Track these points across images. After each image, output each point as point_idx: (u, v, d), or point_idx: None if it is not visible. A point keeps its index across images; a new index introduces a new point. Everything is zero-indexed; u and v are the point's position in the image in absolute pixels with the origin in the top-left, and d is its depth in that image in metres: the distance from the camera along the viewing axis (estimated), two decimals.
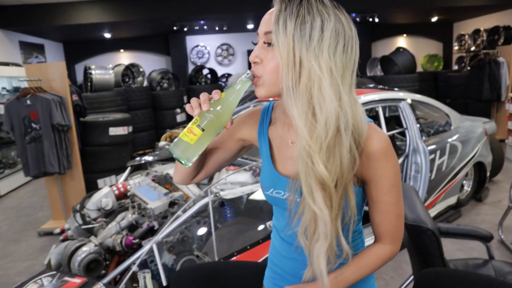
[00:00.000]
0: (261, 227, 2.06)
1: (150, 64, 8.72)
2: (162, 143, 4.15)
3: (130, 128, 4.34)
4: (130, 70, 6.12)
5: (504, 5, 7.16)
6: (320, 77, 0.74)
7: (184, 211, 2.10)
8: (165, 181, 2.57)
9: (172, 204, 2.22)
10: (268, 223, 2.02)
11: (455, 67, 9.00)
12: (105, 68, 5.09)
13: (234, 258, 1.88)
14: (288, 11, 0.75)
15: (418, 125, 3.16)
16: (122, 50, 9.10)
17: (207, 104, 0.79)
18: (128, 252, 2.09)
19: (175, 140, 0.79)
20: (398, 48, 7.50)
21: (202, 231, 2.18)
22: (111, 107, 5.00)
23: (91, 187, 4.12)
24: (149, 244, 1.98)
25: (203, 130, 0.77)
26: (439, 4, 6.85)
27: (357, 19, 7.82)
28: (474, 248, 2.93)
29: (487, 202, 4.01)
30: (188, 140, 0.78)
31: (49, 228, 3.76)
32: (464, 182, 3.81)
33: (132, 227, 2.26)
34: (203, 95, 0.81)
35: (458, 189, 3.63)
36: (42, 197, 4.85)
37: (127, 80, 6.01)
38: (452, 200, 3.57)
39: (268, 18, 0.80)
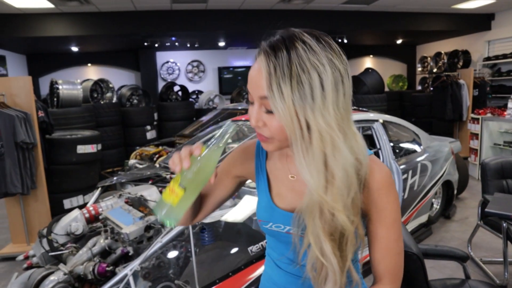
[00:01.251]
0: (241, 251, 2.01)
1: (119, 79, 8.53)
2: (132, 161, 4.03)
3: (99, 146, 4.19)
4: (99, 85, 5.96)
5: (462, 30, 7.60)
6: (331, 136, 0.71)
7: (160, 236, 2.02)
8: (139, 204, 2.47)
9: (147, 228, 2.12)
10: (249, 248, 1.97)
11: (419, 88, 9.40)
12: (73, 83, 4.92)
13: (215, 286, 1.81)
14: (279, 72, 0.69)
15: (391, 144, 3.24)
16: (89, 64, 8.85)
17: (187, 161, 0.74)
18: (101, 280, 1.97)
19: (158, 200, 0.76)
20: (367, 69, 7.75)
21: (174, 254, 2.09)
22: (78, 123, 4.82)
23: (57, 208, 3.92)
24: (124, 271, 1.88)
25: (184, 189, 0.73)
26: (403, 27, 7.17)
27: None
28: (446, 265, 3.00)
29: (455, 219, 4.15)
30: (171, 202, 0.74)
31: (9, 253, 3.52)
32: (434, 200, 3.93)
33: (104, 253, 2.14)
34: (184, 151, 0.76)
35: (429, 207, 3.73)
36: (0, 218, 4.55)
37: (95, 95, 5.84)
38: (424, 218, 3.66)
39: (258, 78, 0.73)
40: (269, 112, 0.73)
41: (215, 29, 6.50)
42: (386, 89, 9.52)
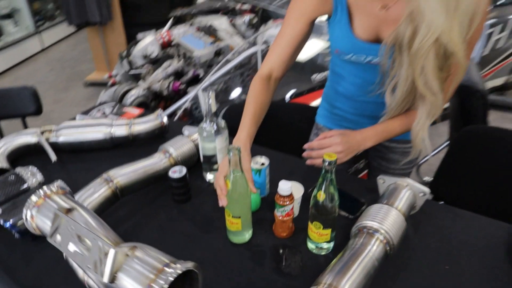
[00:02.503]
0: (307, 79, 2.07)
1: None
2: None
3: None
4: None
5: None
6: None
7: (228, 61, 2.13)
8: (209, 32, 2.54)
9: (217, 53, 2.23)
10: (313, 76, 2.02)
11: None
12: None
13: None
14: None
15: None
16: None
17: (224, 201, 0.78)
18: (174, 97, 2.20)
19: (228, 232, 0.86)
20: None
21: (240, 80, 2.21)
22: None
23: (132, 41, 4.16)
24: (196, 89, 2.07)
25: (239, 216, 0.81)
26: None
27: None
28: None
29: None
30: (236, 229, 0.83)
31: (95, 79, 3.95)
32: None
33: (177, 74, 2.33)
34: (218, 188, 0.80)
35: (509, 72, 3.45)
36: (83, 50, 4.95)
37: None
38: (499, 82, 3.41)
39: None
40: None
41: None
42: None
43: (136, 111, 1.46)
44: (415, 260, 0.78)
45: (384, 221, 0.73)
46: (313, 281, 0.67)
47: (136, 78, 2.39)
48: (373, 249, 0.70)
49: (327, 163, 0.71)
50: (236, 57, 2.07)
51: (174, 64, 2.31)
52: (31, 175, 0.93)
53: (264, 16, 2.68)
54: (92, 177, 0.92)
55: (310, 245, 0.82)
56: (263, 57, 2.06)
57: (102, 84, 3.41)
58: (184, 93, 2.18)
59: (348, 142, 0.88)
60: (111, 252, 0.52)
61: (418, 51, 0.73)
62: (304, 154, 0.93)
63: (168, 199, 0.99)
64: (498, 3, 3.15)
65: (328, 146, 0.88)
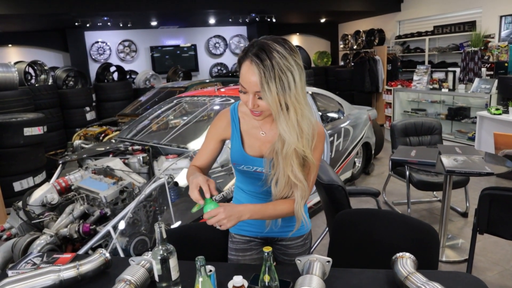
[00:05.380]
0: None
1: (46, 61, 8.15)
2: (77, 141, 4.16)
3: (45, 128, 4.25)
4: (33, 67, 5.80)
5: (377, 11, 8.46)
6: (301, 108, 1.17)
7: (134, 198, 2.37)
8: (105, 174, 2.75)
9: (121, 191, 2.44)
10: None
11: (341, 63, 10.27)
12: (7, 66, 4.80)
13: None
14: (267, 75, 1.10)
15: (320, 113, 3.81)
16: (10, 45, 8.36)
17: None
18: (85, 238, 2.27)
19: None
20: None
21: (145, 213, 2.43)
22: (16, 107, 4.75)
23: (7, 191, 3.97)
24: (106, 228, 2.20)
25: None
26: (325, 7, 7.80)
27: (257, 18, 8.46)
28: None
29: (374, 174, 4.92)
30: None
31: None
32: (356, 159, 4.64)
33: (83, 217, 2.42)
34: (193, 194, 1.20)
35: (352, 165, 4.42)
36: None
37: (29, 78, 5.68)
38: (348, 174, 4.33)
39: (252, 79, 1.12)
40: (260, 98, 1.17)
41: (147, 9, 6.56)
42: (312, 65, 10.27)
43: (69, 255, 1.56)
44: None
45: (311, 284, 1.07)
46: None
47: (37, 227, 2.38)
48: None
49: (266, 254, 1.04)
50: (143, 191, 2.32)
51: (78, 208, 2.42)
52: None
53: (153, 153, 3.04)
54: None
55: None
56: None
57: None
58: (95, 232, 2.27)
59: (230, 211, 1.20)
60: None
61: (286, 155, 1.22)
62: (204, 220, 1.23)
63: None
64: (329, 118, 4.19)
65: (215, 215, 1.17)
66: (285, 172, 1.24)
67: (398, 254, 1.26)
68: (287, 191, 1.30)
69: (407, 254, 1.25)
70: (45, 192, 2.54)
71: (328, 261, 1.20)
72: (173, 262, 1.23)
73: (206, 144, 1.45)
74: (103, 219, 2.43)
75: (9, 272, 1.45)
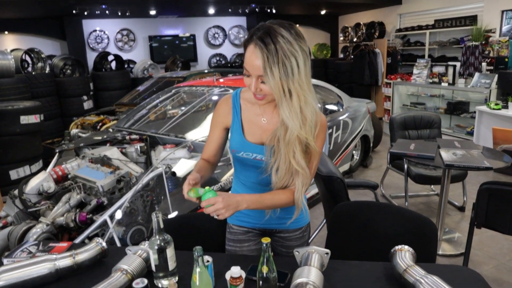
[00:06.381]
0: None
1: (43, 49, 8.08)
2: (74, 130, 4.13)
3: (42, 116, 4.22)
4: (29, 55, 5.74)
5: (378, 3, 8.40)
6: (304, 95, 1.15)
7: (131, 187, 2.35)
8: (102, 163, 2.73)
9: (118, 180, 2.42)
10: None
11: (341, 56, 10.22)
12: (3, 53, 4.75)
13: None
14: (270, 60, 1.08)
15: (319, 105, 3.79)
16: (6, 32, 8.26)
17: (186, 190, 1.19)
18: (81, 227, 2.26)
19: None
20: None
21: (142, 202, 2.42)
22: (13, 95, 4.71)
23: (3, 179, 3.95)
24: (103, 217, 2.19)
25: None
26: None
27: (256, 9, 8.39)
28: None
29: (372, 167, 4.92)
30: None
31: None
32: (354, 152, 4.63)
33: (79, 206, 2.40)
34: (185, 186, 1.21)
35: (350, 158, 4.41)
36: None
37: (26, 66, 5.63)
38: (346, 167, 4.33)
39: (255, 63, 1.11)
40: (263, 82, 1.15)
41: None
42: (312, 57, 10.21)
43: (65, 244, 1.55)
44: None
45: (310, 276, 1.06)
46: None
47: (34, 215, 2.37)
48: None
49: (264, 245, 1.03)
50: (140, 181, 2.30)
51: (74, 197, 2.40)
52: None
53: (151, 143, 3.02)
54: None
55: None
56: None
57: None
58: (91, 221, 2.26)
59: (228, 201, 1.17)
60: None
61: (289, 141, 1.20)
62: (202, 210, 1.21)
63: None
64: (328, 110, 4.17)
65: (213, 204, 1.14)
66: (287, 158, 1.22)
67: (397, 247, 1.25)
68: (288, 178, 1.27)
69: (406, 247, 1.24)
70: (41, 181, 2.52)
71: (327, 253, 1.19)
72: (170, 252, 1.22)
73: (210, 134, 1.44)
74: (99, 209, 2.41)
75: (5, 261, 1.44)
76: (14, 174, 4.05)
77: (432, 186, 4.06)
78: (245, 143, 1.34)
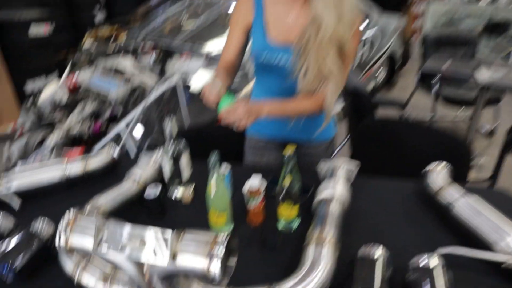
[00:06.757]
0: None
1: None
2: (88, 41, 3.97)
3: (54, 24, 4.08)
4: None
5: None
6: None
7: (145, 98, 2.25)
8: (116, 73, 2.60)
9: (132, 91, 2.32)
10: None
11: None
12: None
13: None
14: None
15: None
16: None
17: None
18: (95, 138, 2.22)
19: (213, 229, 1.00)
20: None
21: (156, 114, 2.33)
22: (21, 4, 4.48)
23: (19, 91, 3.93)
24: (118, 127, 2.13)
25: (225, 210, 0.98)
26: None
27: None
28: None
29: (398, 87, 4.68)
30: (220, 225, 0.99)
31: None
32: (380, 69, 4.35)
33: (94, 116, 2.34)
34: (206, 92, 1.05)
35: (375, 76, 4.16)
36: None
37: None
38: (371, 85, 4.11)
39: None
40: None
41: None
42: None
43: (78, 149, 1.49)
44: (359, 212, 1.04)
45: (336, 186, 0.97)
46: (293, 251, 0.86)
47: (49, 126, 2.33)
48: (335, 207, 0.94)
49: (287, 155, 0.93)
50: (154, 92, 2.20)
51: (88, 107, 2.33)
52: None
53: (166, 52, 2.85)
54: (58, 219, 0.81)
55: (281, 225, 1.02)
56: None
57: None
58: (105, 133, 2.21)
59: (249, 106, 1.05)
60: (170, 233, 0.64)
61: (322, 42, 1.05)
62: (221, 121, 1.08)
63: (144, 220, 1.07)
64: None
65: (234, 111, 1.03)
66: (318, 61, 1.07)
67: (433, 163, 1.13)
68: (316, 84, 1.13)
69: (443, 162, 1.12)
70: (55, 91, 2.44)
71: (355, 166, 1.09)
72: (185, 158, 1.14)
73: (229, 36, 1.25)
74: (113, 119, 2.35)
75: (18, 165, 1.40)
76: (29, 86, 4.03)
77: (458, 112, 3.84)
78: (269, 43, 1.17)
